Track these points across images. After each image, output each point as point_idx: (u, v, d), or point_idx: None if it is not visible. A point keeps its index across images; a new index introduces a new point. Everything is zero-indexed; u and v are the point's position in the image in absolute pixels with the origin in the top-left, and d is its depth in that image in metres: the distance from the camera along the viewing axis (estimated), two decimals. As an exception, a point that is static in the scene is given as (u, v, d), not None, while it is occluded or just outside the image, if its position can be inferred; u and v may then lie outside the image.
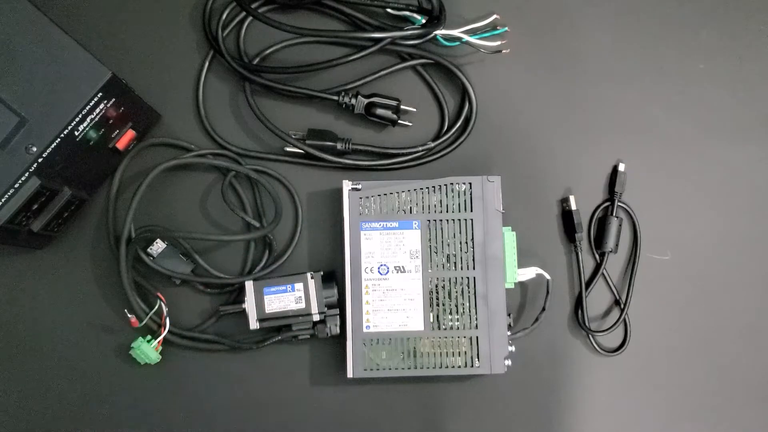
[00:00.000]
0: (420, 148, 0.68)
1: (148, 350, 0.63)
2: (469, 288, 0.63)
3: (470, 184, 0.64)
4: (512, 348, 0.63)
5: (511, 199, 0.66)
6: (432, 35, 0.67)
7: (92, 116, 0.58)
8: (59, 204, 0.60)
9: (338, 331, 0.64)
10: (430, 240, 0.64)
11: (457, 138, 0.69)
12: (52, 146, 0.56)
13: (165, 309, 0.64)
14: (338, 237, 0.67)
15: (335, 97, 0.67)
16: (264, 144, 0.69)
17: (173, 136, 0.68)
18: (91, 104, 0.57)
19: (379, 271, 0.63)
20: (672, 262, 0.69)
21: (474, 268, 0.63)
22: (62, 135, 0.56)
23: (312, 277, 0.64)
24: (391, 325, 0.63)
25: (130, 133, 0.64)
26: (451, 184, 0.64)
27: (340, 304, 0.64)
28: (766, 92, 0.72)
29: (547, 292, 0.65)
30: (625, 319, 0.68)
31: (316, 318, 0.64)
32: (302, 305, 0.64)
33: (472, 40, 0.68)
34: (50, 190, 0.59)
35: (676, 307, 0.69)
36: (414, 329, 0.63)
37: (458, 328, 0.63)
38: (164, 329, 0.63)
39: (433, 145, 0.69)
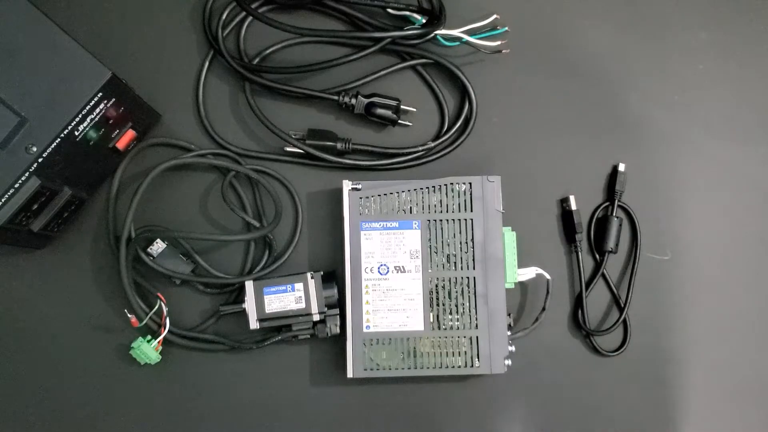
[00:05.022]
0: (420, 148, 0.68)
1: (148, 350, 0.63)
2: (469, 288, 0.63)
3: (470, 184, 0.64)
4: (512, 348, 0.63)
5: (511, 199, 0.66)
6: (432, 35, 0.67)
7: (92, 116, 0.58)
8: (59, 204, 0.60)
9: (338, 331, 0.64)
10: (430, 240, 0.64)
11: (457, 138, 0.69)
12: (52, 146, 0.56)
13: (165, 309, 0.64)
14: (338, 237, 0.67)
15: (335, 97, 0.67)
16: (264, 144, 0.69)
17: (173, 136, 0.68)
18: (91, 104, 0.57)
19: (379, 271, 0.63)
20: (672, 262, 0.69)
21: (474, 268, 0.63)
22: (62, 135, 0.56)
23: (312, 277, 0.64)
24: (391, 325, 0.63)
25: (130, 133, 0.64)
26: (451, 184, 0.64)
27: (340, 304, 0.64)
28: (766, 92, 0.72)
29: (547, 292, 0.65)
30: (625, 319, 0.68)
31: (316, 318, 0.64)
32: (302, 305, 0.64)
33: (472, 40, 0.68)
34: (50, 190, 0.59)
35: (676, 307, 0.69)
36: (414, 329, 0.63)
37: (458, 328, 0.63)
38: (164, 329, 0.63)
39: (433, 145, 0.69)
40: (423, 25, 0.67)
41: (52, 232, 0.63)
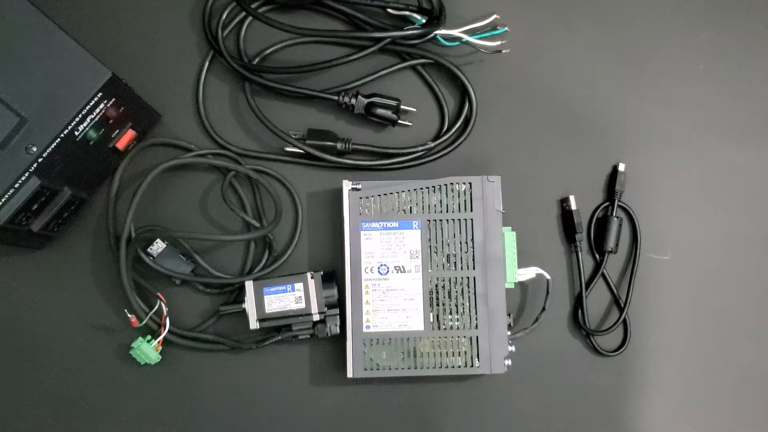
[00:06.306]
0: (420, 148, 0.68)
1: (148, 350, 0.63)
2: (469, 288, 0.63)
3: (470, 184, 0.64)
4: (512, 348, 0.63)
5: (511, 199, 0.66)
6: (432, 35, 0.67)
7: (92, 116, 0.58)
8: (59, 204, 0.60)
9: (338, 331, 0.64)
10: (430, 240, 0.64)
11: (457, 138, 0.69)
12: (52, 146, 0.56)
13: (165, 309, 0.64)
14: (338, 237, 0.67)
15: (335, 97, 0.67)
16: (264, 144, 0.69)
17: (173, 136, 0.68)
18: (91, 104, 0.57)
19: (379, 271, 0.63)
20: (672, 262, 0.69)
21: (474, 268, 0.63)
22: (62, 135, 0.56)
23: (312, 277, 0.64)
24: (391, 325, 0.63)
25: (130, 133, 0.64)
26: (451, 184, 0.64)
27: (340, 304, 0.64)
28: (766, 92, 0.72)
29: (547, 292, 0.65)
30: (625, 319, 0.68)
31: (316, 318, 0.64)
32: (302, 305, 0.64)
33: (472, 40, 0.68)
34: (50, 190, 0.59)
35: (676, 307, 0.69)
36: (414, 329, 0.63)
37: (458, 328, 0.63)
38: (164, 329, 0.63)
39: (433, 145, 0.69)
40: (423, 25, 0.67)
41: (52, 232, 0.63)
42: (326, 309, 0.64)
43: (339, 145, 0.67)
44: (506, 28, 0.69)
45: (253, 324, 0.63)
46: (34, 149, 0.56)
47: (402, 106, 0.68)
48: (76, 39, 0.57)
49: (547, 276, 0.65)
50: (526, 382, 0.67)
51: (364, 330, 0.63)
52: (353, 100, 0.67)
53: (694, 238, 0.70)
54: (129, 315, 0.63)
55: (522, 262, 0.65)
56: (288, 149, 0.68)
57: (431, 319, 0.63)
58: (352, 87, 0.68)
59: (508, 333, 0.63)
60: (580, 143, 0.70)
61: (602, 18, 0.72)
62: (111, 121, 0.60)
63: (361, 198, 0.64)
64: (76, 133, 0.58)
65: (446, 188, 0.64)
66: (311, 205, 0.68)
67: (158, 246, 0.65)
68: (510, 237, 0.65)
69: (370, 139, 0.69)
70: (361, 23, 0.69)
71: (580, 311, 0.67)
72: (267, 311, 0.63)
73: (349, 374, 0.62)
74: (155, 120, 0.68)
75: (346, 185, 0.64)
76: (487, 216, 0.64)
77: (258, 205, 0.68)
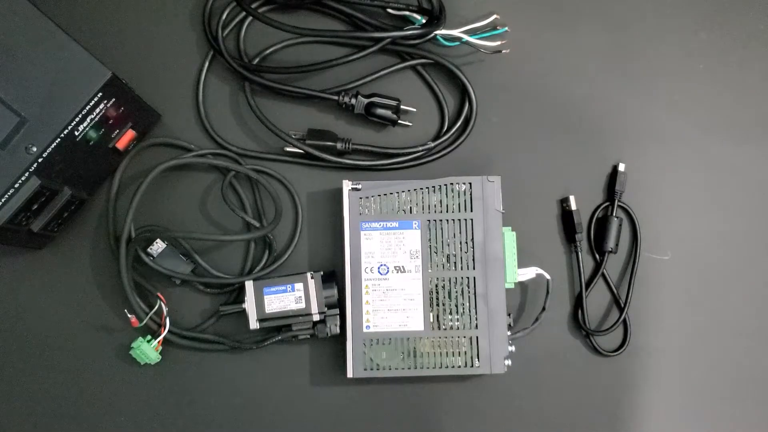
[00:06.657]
0: (420, 148, 0.68)
1: (148, 350, 0.63)
2: (469, 288, 0.63)
3: (470, 184, 0.64)
4: (512, 348, 0.63)
5: (511, 199, 0.66)
6: (432, 35, 0.67)
7: (92, 116, 0.58)
8: (59, 204, 0.60)
9: (338, 331, 0.64)
10: (430, 240, 0.64)
11: (457, 138, 0.69)
12: (52, 146, 0.56)
13: (165, 309, 0.64)
14: (338, 237, 0.67)
15: (335, 97, 0.67)
16: (264, 144, 0.69)
17: (173, 136, 0.68)
18: (91, 104, 0.57)
19: (379, 271, 0.63)
20: (672, 262, 0.69)
21: (474, 268, 0.63)
22: (62, 135, 0.56)
23: (312, 277, 0.64)
24: (391, 325, 0.63)
25: (130, 133, 0.64)
26: (451, 184, 0.64)
27: (340, 304, 0.64)
28: (766, 92, 0.72)
29: (547, 292, 0.65)
30: (625, 319, 0.68)
31: (316, 318, 0.64)
32: (302, 305, 0.64)
33: (472, 40, 0.68)
34: (50, 190, 0.59)
35: (676, 307, 0.69)
36: (414, 329, 0.63)
37: (458, 328, 0.63)
38: (164, 329, 0.63)
39: (433, 145, 0.69)
40: (423, 25, 0.67)
41: (52, 232, 0.63)
42: (326, 309, 0.64)
43: (339, 145, 0.67)
44: (506, 28, 0.69)
45: (253, 324, 0.63)
46: (34, 149, 0.56)
47: (402, 106, 0.68)
48: (76, 39, 0.57)
49: (547, 276, 0.65)
50: (526, 382, 0.67)
51: (364, 330, 0.63)
52: (353, 100, 0.67)
53: (694, 238, 0.70)
54: (129, 315, 0.63)
55: (522, 262, 0.65)
56: (288, 149, 0.68)
57: (431, 319, 0.63)
58: (352, 87, 0.68)
59: (508, 333, 0.63)
60: (580, 143, 0.70)
61: (602, 18, 0.72)
62: (111, 121, 0.60)
63: (361, 198, 0.64)
64: (76, 133, 0.58)
65: (446, 188, 0.64)
66: (311, 205, 0.68)
67: (158, 246, 0.65)
68: (510, 237, 0.65)
69: (370, 139, 0.69)
70: (361, 23, 0.69)
71: (580, 311, 0.67)
72: (267, 311, 0.63)
73: (349, 374, 0.62)
74: (155, 120, 0.68)
75: (346, 185, 0.64)
76: (487, 216, 0.64)
77: (258, 205, 0.68)
